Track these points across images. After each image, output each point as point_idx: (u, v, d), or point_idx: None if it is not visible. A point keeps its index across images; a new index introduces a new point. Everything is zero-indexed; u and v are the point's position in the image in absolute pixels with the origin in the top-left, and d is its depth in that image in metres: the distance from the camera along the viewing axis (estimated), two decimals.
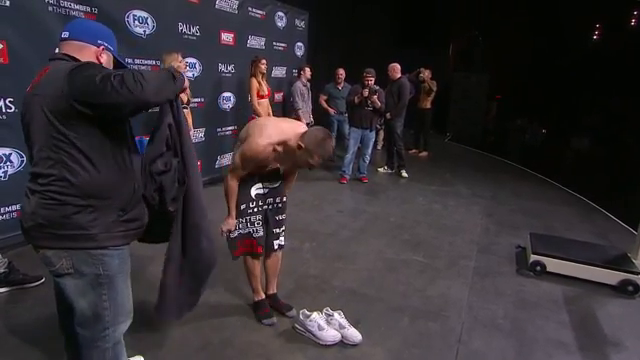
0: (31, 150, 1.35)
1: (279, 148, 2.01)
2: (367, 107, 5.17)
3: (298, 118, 5.31)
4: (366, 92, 5.07)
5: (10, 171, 2.96)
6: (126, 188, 1.40)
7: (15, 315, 2.29)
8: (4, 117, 2.86)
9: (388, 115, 5.71)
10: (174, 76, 1.38)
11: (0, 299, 2.43)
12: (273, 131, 2.00)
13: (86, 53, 1.39)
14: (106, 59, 1.44)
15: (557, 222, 4.39)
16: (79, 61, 1.35)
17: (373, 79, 5.13)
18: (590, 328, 2.51)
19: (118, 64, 1.52)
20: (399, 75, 5.81)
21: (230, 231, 2.18)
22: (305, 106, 5.84)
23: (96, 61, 1.40)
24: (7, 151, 2.93)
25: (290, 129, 2.03)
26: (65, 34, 1.40)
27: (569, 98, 10.68)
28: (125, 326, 1.51)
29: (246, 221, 2.19)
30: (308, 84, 5.91)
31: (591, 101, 10.40)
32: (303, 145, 1.94)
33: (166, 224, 1.60)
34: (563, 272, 3.05)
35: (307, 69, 5.86)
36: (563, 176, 6.30)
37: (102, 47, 1.42)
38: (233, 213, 2.16)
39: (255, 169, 2.11)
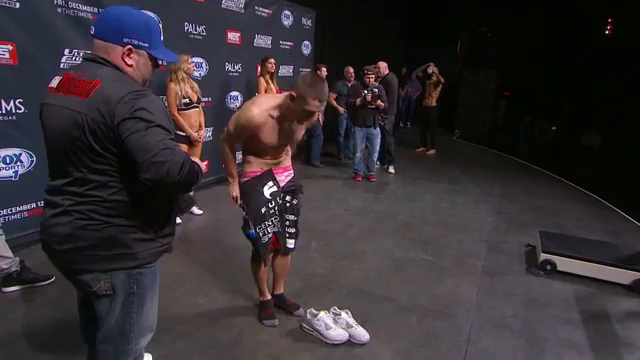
0: (57, 164, 1.24)
1: (274, 113, 1.99)
2: (369, 106, 5.15)
3: None
4: (369, 97, 5.06)
5: (21, 171, 2.99)
6: (165, 204, 1.36)
7: (26, 314, 2.32)
8: (14, 117, 2.89)
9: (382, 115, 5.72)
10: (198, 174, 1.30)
11: (11, 298, 2.46)
12: (264, 100, 2.07)
13: (112, 54, 1.25)
14: (137, 60, 1.27)
15: (568, 220, 4.33)
16: (112, 64, 1.24)
17: (374, 77, 5.11)
18: (602, 328, 2.47)
19: (161, 58, 1.35)
20: (387, 72, 5.84)
21: (235, 198, 2.14)
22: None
23: (123, 64, 1.26)
24: (17, 151, 2.96)
25: (282, 96, 2.03)
26: (92, 29, 1.26)
27: (580, 94, 10.53)
28: (147, 339, 1.47)
29: (269, 222, 2.15)
30: None
31: (602, 97, 10.23)
32: (295, 94, 1.91)
33: None
34: (574, 271, 3.01)
35: (324, 69, 5.82)
36: (574, 174, 6.21)
37: (128, 46, 1.25)
38: (234, 180, 2.15)
39: (261, 146, 2.06)
